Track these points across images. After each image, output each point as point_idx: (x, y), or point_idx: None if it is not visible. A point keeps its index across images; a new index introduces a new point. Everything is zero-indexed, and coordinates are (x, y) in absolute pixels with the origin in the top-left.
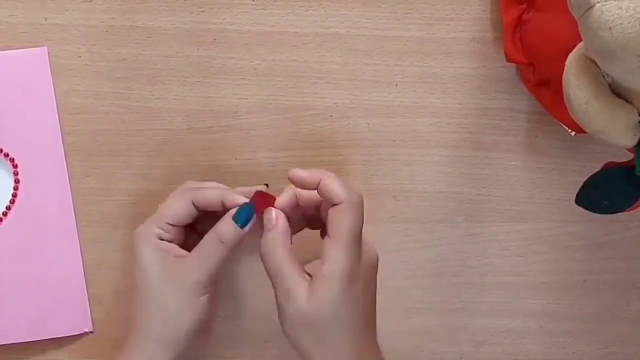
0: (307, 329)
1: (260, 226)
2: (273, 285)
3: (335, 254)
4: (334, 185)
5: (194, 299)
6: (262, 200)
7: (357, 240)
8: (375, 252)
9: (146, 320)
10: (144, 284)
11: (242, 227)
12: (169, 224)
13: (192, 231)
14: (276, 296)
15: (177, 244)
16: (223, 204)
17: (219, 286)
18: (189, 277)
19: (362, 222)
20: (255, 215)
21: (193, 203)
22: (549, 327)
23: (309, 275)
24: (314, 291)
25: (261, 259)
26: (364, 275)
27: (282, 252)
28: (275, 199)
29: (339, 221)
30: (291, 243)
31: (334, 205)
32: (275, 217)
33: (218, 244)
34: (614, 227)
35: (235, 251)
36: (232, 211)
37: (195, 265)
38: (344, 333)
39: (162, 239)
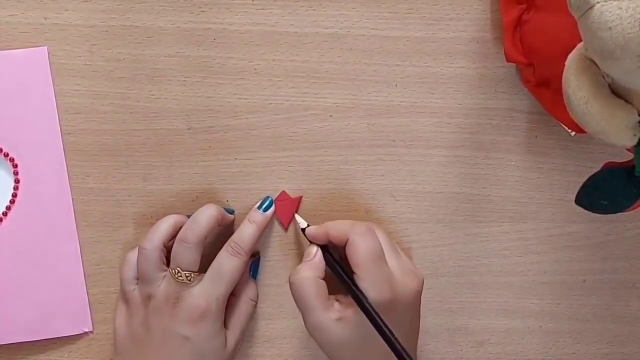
0: (341, 348)
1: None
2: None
3: (361, 283)
4: (337, 227)
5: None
6: (288, 202)
7: (377, 263)
8: (421, 277)
9: None
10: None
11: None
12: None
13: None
14: (306, 327)
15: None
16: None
17: None
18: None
19: (378, 246)
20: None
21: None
22: (549, 327)
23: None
24: (343, 315)
25: (290, 287)
26: (401, 300)
27: (311, 285)
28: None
29: (353, 253)
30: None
31: (346, 245)
32: (314, 252)
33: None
34: (614, 227)
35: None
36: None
37: (237, 343)
38: (376, 353)
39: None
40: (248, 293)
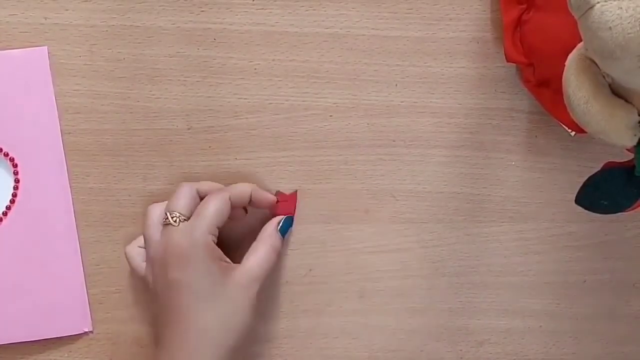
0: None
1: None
2: None
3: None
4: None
5: (254, 304)
6: (291, 200)
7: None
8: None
9: (216, 329)
10: (210, 291)
11: (283, 236)
12: (217, 227)
13: None
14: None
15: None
16: (252, 199)
17: None
18: (256, 283)
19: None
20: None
21: (230, 201)
22: (549, 327)
23: None
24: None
25: None
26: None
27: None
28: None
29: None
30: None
31: None
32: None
33: (271, 250)
34: (614, 227)
35: None
36: (276, 221)
37: (260, 270)
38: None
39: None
40: (271, 240)
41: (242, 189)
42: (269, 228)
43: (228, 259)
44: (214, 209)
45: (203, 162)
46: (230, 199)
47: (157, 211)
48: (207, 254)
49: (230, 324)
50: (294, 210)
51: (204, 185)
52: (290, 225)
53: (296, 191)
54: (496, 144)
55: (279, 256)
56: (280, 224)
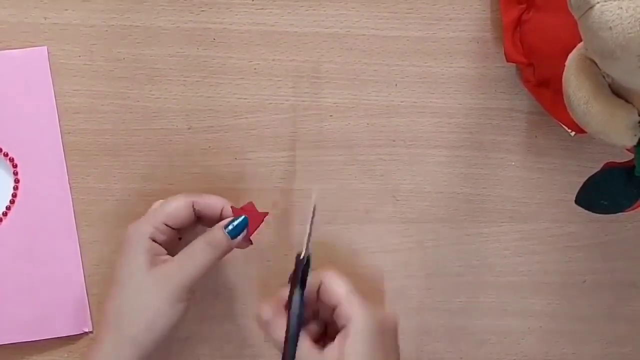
0: None
1: (247, 240)
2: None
3: (356, 313)
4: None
5: (175, 304)
6: (253, 215)
7: (356, 293)
8: (395, 313)
9: (121, 317)
10: (127, 280)
11: (233, 237)
12: (166, 225)
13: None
14: None
15: (166, 248)
16: (221, 213)
17: (195, 297)
18: (173, 281)
19: (349, 282)
20: (247, 229)
21: (193, 206)
22: (549, 327)
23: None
24: (344, 350)
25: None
26: (387, 332)
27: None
28: (266, 214)
29: (331, 289)
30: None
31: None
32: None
33: (206, 248)
34: (614, 227)
35: (218, 263)
36: (225, 220)
37: (180, 268)
38: None
39: (155, 240)
40: (207, 238)
41: (213, 201)
42: (214, 227)
43: (168, 256)
44: (167, 208)
45: (203, 162)
46: (194, 204)
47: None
48: (139, 244)
49: (135, 315)
50: (256, 227)
51: (204, 199)
52: (244, 227)
53: (266, 213)
54: (496, 144)
55: (221, 256)
56: (231, 225)
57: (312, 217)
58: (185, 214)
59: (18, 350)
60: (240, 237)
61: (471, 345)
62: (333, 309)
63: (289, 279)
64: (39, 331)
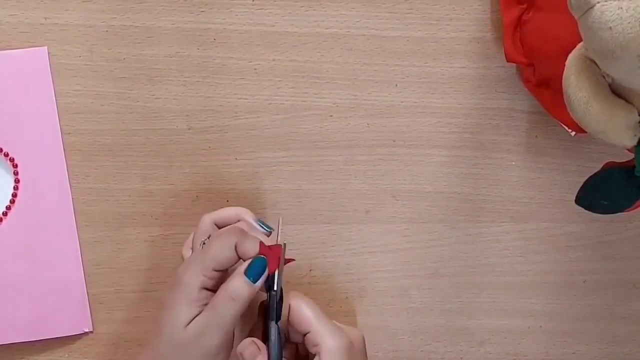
0: None
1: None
2: None
3: (325, 342)
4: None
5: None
6: (270, 252)
7: (324, 316)
8: (361, 332)
9: (153, 346)
10: (168, 332)
11: (254, 282)
12: (214, 270)
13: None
14: None
15: (216, 288)
16: (237, 254)
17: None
18: (205, 346)
19: (317, 305)
20: (267, 269)
21: (236, 249)
22: (549, 327)
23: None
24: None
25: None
26: (357, 352)
27: None
28: (281, 247)
29: (299, 313)
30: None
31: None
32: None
33: (230, 302)
34: (614, 227)
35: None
36: (243, 266)
37: (210, 329)
38: None
39: (206, 288)
40: (227, 285)
41: (251, 246)
42: (234, 275)
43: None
44: (211, 254)
45: (203, 162)
46: (236, 246)
47: (201, 227)
48: (188, 296)
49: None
50: (278, 262)
51: (223, 213)
52: (263, 268)
53: (283, 245)
54: (496, 144)
55: (246, 301)
56: (249, 269)
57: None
58: (231, 255)
59: (18, 350)
60: (263, 279)
61: (471, 345)
62: (303, 334)
63: (258, 309)
64: (39, 331)
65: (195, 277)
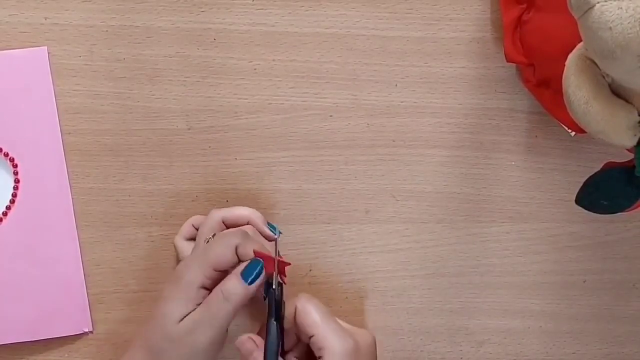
0: None
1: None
2: None
3: (330, 345)
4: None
5: (192, 351)
6: (267, 255)
7: (331, 318)
8: (372, 334)
9: (150, 352)
10: (162, 321)
11: (250, 284)
12: (214, 270)
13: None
14: None
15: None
16: (237, 256)
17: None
18: (196, 342)
19: (325, 306)
20: (264, 272)
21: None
22: (549, 327)
23: None
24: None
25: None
26: (364, 348)
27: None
28: (275, 259)
29: (305, 316)
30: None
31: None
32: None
33: (224, 302)
34: (614, 227)
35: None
36: (240, 267)
37: (201, 327)
38: None
39: (205, 287)
40: (223, 286)
41: (251, 250)
42: (230, 276)
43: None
44: (214, 254)
45: (203, 162)
46: (237, 248)
47: (208, 222)
48: (187, 293)
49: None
50: (274, 265)
51: (234, 212)
52: (260, 270)
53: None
54: (496, 144)
55: (240, 302)
56: (245, 271)
57: (277, 247)
58: (231, 260)
59: (18, 350)
60: (259, 281)
61: (471, 345)
62: (309, 336)
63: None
64: (39, 331)
65: (195, 276)
